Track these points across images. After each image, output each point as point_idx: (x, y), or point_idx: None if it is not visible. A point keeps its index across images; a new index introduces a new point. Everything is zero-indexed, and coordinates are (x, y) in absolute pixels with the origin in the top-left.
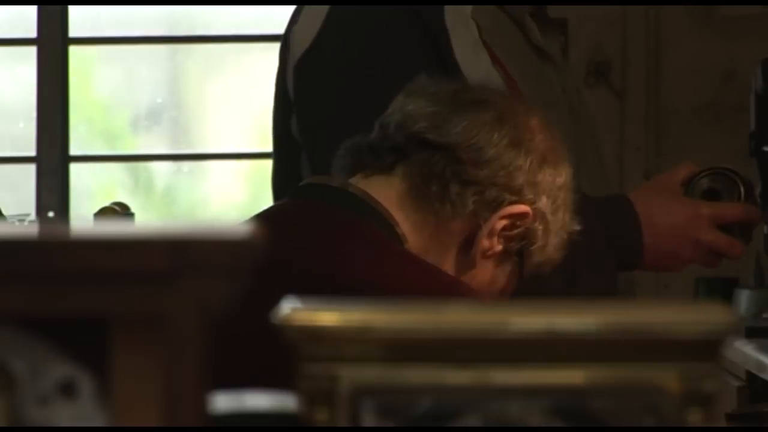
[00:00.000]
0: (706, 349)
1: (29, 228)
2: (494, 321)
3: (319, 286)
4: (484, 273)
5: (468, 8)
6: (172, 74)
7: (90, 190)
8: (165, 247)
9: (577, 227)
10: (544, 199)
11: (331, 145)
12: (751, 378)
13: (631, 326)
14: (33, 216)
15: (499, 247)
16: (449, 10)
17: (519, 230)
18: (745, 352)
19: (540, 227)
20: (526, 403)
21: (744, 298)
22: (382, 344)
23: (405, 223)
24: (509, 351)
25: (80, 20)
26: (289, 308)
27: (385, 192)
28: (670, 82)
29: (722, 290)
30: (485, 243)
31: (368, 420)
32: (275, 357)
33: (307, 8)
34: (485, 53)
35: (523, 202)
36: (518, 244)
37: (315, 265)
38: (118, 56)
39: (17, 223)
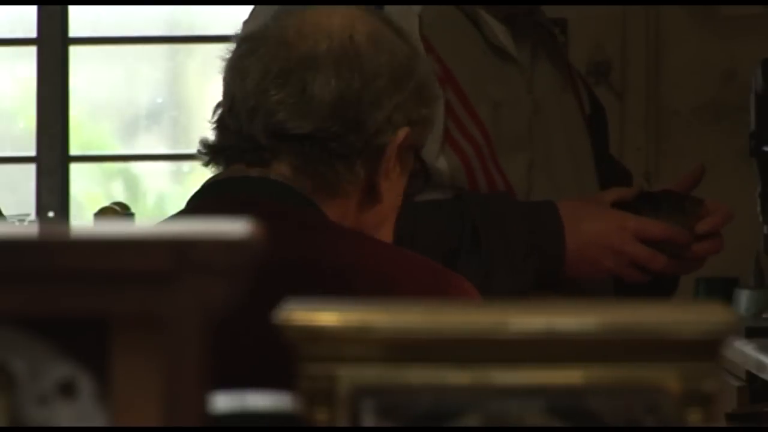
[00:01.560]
0: (706, 349)
1: (29, 228)
2: (494, 321)
3: (298, 278)
4: (396, 192)
5: (417, 7)
6: (172, 74)
7: (90, 190)
8: (165, 247)
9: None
10: (412, 105)
11: None
12: (751, 378)
13: (630, 326)
14: (33, 216)
15: (393, 179)
16: (390, 7)
17: (406, 147)
18: (745, 352)
19: (419, 128)
20: (526, 403)
21: (744, 298)
22: (382, 344)
23: (318, 201)
24: (509, 351)
25: (80, 20)
26: (289, 308)
27: (286, 178)
28: (670, 82)
29: (722, 290)
30: (385, 184)
31: (368, 420)
32: (274, 357)
33: (256, 9)
34: (420, 45)
35: (398, 129)
36: (410, 152)
37: (290, 256)
38: (118, 56)
39: (17, 223)
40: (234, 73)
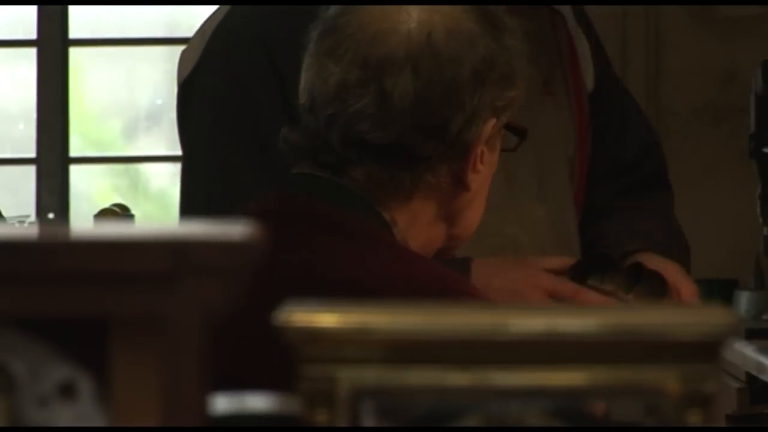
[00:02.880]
0: (705, 350)
1: (29, 229)
2: (494, 322)
3: (306, 287)
4: (486, 175)
5: None
6: (171, 75)
7: (90, 192)
8: (165, 249)
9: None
10: (496, 93)
11: (187, 175)
12: (751, 379)
13: (631, 328)
14: (33, 217)
15: (482, 168)
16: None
17: (494, 134)
18: (745, 353)
19: (506, 113)
20: (526, 405)
21: (744, 299)
22: (382, 346)
23: (390, 207)
24: (509, 352)
25: (80, 22)
26: (289, 310)
27: (359, 182)
28: (670, 84)
29: (722, 292)
30: (473, 176)
31: (368, 421)
32: (271, 359)
33: (198, 32)
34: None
35: (485, 122)
36: (498, 135)
37: (297, 266)
38: (118, 57)
39: (17, 225)
40: (314, 71)
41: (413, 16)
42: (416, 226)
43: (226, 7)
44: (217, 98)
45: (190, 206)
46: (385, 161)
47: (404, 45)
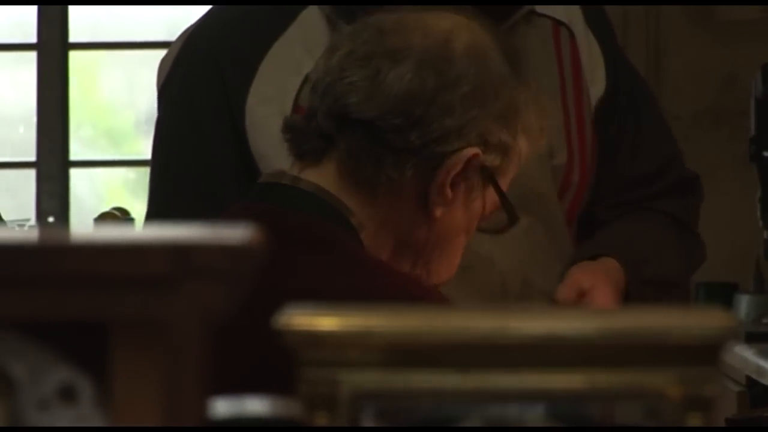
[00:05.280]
0: (705, 354)
1: (29, 233)
2: (494, 326)
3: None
4: (457, 216)
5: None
6: None
7: (90, 195)
8: (165, 252)
9: (540, 97)
10: (490, 125)
11: (149, 186)
12: (751, 383)
13: (630, 331)
14: (33, 221)
15: (451, 196)
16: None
17: (473, 168)
18: (745, 357)
19: (495, 153)
20: (526, 408)
21: (744, 303)
22: (382, 349)
23: (355, 206)
24: (509, 356)
25: (80, 25)
26: (290, 313)
27: (327, 180)
28: (670, 88)
29: (722, 295)
30: (439, 200)
31: (368, 424)
32: (274, 362)
33: (175, 41)
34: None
35: (467, 145)
36: (479, 176)
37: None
38: (120, 61)
39: (17, 228)
40: (327, 49)
41: (444, 23)
42: (383, 235)
43: (201, 18)
44: (170, 115)
45: (147, 214)
46: (357, 141)
47: (419, 39)
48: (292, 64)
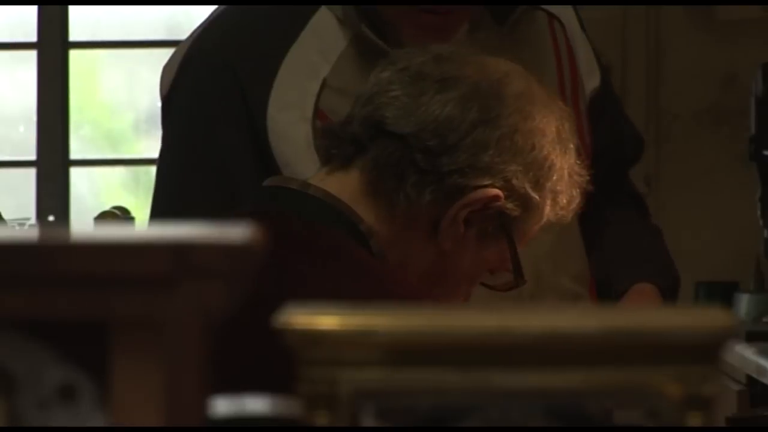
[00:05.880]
0: (706, 352)
1: (29, 232)
2: (494, 324)
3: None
4: (465, 257)
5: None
6: None
7: (90, 194)
8: (165, 251)
9: (584, 173)
10: (518, 173)
11: (157, 192)
12: (752, 382)
13: (630, 330)
14: (33, 220)
15: (462, 232)
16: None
17: (491, 211)
18: (745, 356)
19: (516, 203)
20: (526, 407)
21: (744, 302)
22: (382, 348)
23: (369, 217)
24: (509, 354)
25: (80, 24)
26: (289, 312)
27: (346, 187)
28: (670, 86)
29: (722, 294)
30: (450, 231)
31: (368, 423)
32: (273, 361)
33: (179, 47)
34: (308, 132)
35: (491, 185)
36: (496, 222)
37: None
38: (120, 60)
39: (17, 227)
40: (382, 63)
41: (503, 66)
42: (389, 254)
43: (206, 22)
44: (184, 121)
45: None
46: (386, 153)
47: (473, 73)
48: (308, 69)
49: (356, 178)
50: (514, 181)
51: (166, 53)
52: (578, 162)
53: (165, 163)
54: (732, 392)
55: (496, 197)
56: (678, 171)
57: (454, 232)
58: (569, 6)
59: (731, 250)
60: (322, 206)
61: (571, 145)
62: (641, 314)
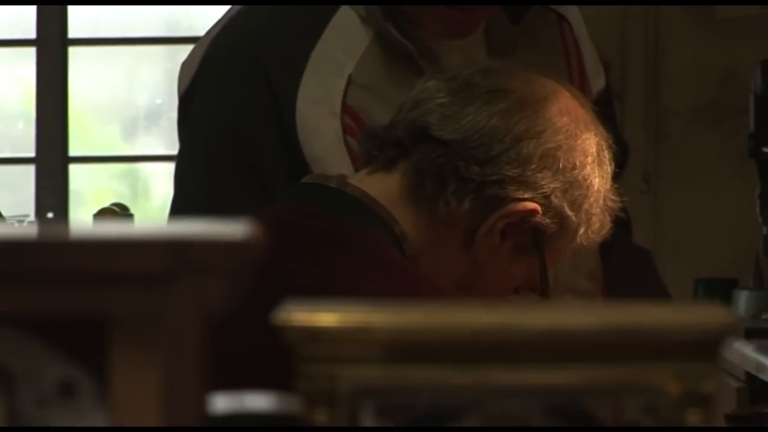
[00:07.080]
0: (704, 350)
1: (28, 229)
2: (494, 321)
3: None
4: (496, 269)
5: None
6: (171, 75)
7: (89, 191)
8: (164, 248)
9: (617, 199)
10: (558, 190)
11: (176, 192)
12: (751, 379)
13: (629, 327)
14: (32, 217)
15: (497, 243)
16: (305, 87)
17: (527, 225)
18: (745, 353)
19: (553, 220)
20: (525, 404)
21: (743, 299)
22: (381, 345)
23: (405, 220)
24: (509, 351)
25: (79, 21)
26: (288, 309)
27: (384, 189)
28: (670, 83)
29: (721, 291)
30: (485, 242)
31: (368, 421)
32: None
33: (198, 43)
34: (338, 128)
35: (530, 199)
36: (530, 237)
37: (297, 277)
38: (119, 57)
39: (16, 224)
40: (432, 72)
41: (551, 84)
42: (422, 260)
43: (224, 20)
44: (211, 117)
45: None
46: (429, 158)
47: (521, 87)
48: (334, 66)
49: (397, 181)
50: (553, 198)
51: (166, 50)
52: (614, 187)
53: (191, 163)
54: (731, 389)
55: (534, 211)
56: (677, 168)
57: (489, 243)
58: (575, 6)
59: (730, 247)
60: (358, 205)
61: (609, 170)
62: (640, 311)
